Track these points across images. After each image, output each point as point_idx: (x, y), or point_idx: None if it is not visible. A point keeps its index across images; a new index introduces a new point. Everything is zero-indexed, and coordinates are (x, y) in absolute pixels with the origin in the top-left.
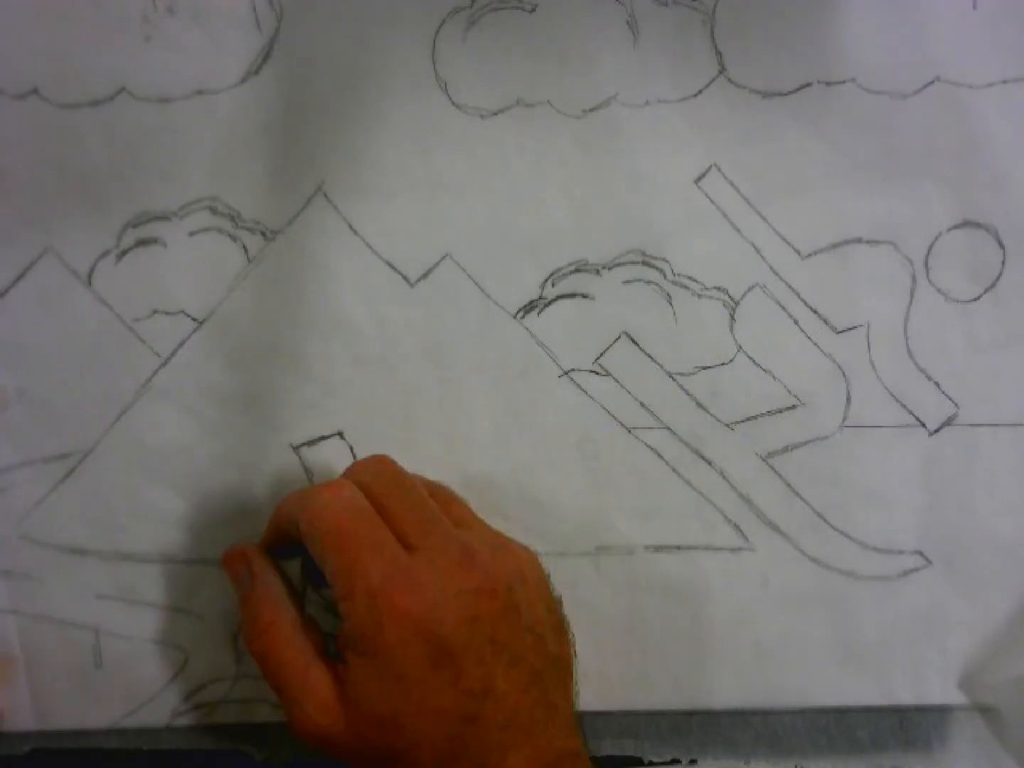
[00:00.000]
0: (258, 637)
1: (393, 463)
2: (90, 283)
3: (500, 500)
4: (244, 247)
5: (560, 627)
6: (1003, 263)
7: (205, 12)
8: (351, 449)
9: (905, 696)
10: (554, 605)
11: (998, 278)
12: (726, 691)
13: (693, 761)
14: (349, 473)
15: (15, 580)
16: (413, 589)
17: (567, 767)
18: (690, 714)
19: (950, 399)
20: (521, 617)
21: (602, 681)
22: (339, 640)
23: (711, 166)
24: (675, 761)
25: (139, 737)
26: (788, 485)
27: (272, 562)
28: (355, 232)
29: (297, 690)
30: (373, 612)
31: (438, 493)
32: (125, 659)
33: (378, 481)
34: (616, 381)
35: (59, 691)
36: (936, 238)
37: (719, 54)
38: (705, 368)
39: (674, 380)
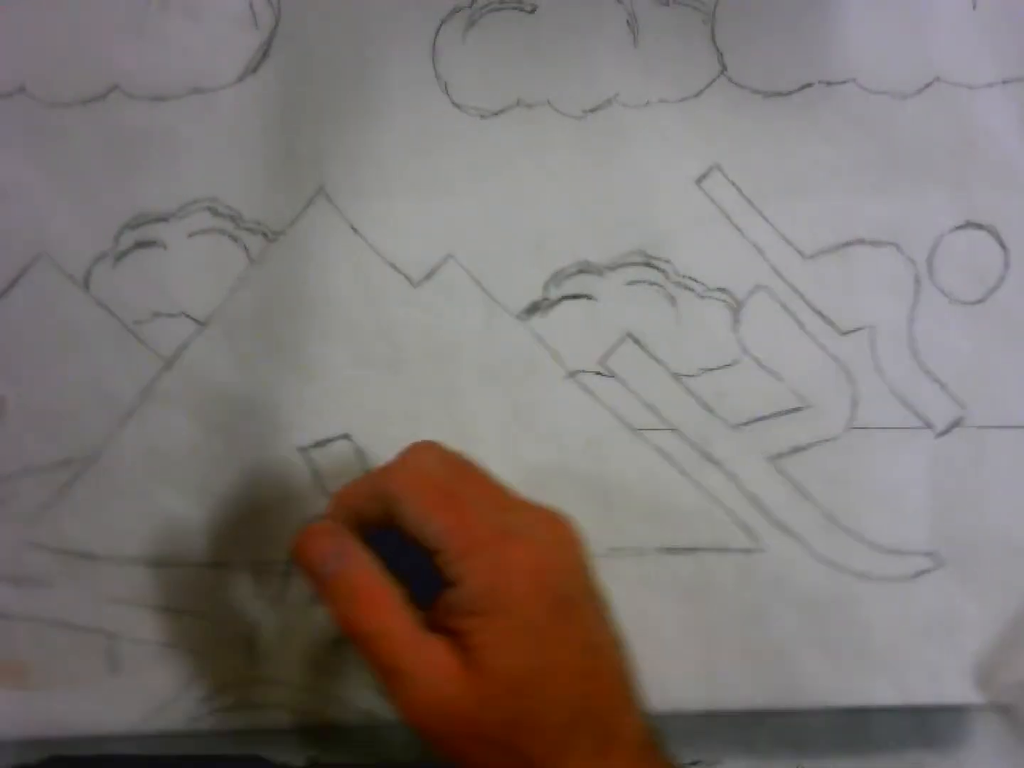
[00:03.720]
0: (365, 614)
1: (444, 444)
2: (87, 287)
3: None
4: (245, 248)
5: None
6: (1006, 264)
7: (201, 8)
8: (357, 452)
9: (922, 695)
10: None
11: (1002, 279)
12: (743, 691)
13: (713, 763)
14: (416, 448)
15: (25, 587)
16: (526, 543)
17: (658, 748)
18: (708, 715)
19: (956, 401)
20: (597, 582)
21: None
22: (447, 606)
23: (712, 166)
24: (696, 763)
25: (156, 742)
26: (796, 486)
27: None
28: (357, 233)
29: (415, 664)
30: (497, 564)
31: None
32: (140, 664)
33: (446, 455)
34: (621, 383)
35: (75, 697)
36: (939, 239)
37: (720, 54)
38: (709, 370)
39: (680, 381)
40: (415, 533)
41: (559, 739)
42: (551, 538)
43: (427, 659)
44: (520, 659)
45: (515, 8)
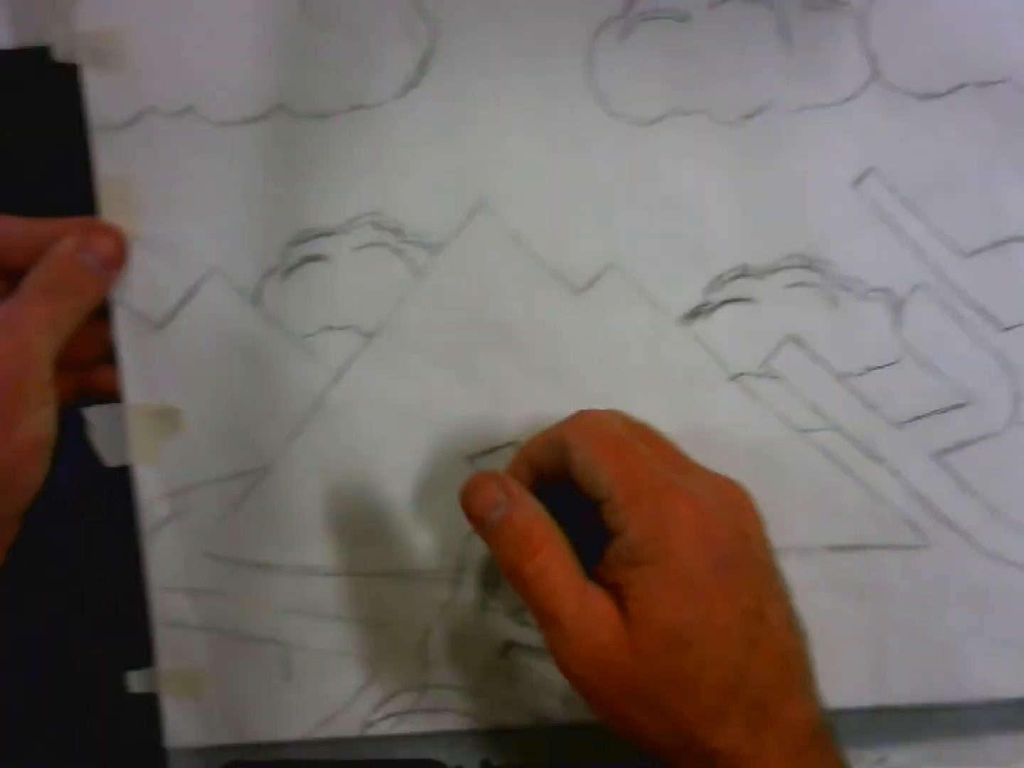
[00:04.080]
0: (531, 558)
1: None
2: (258, 302)
3: None
4: (409, 261)
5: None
6: None
7: (361, 25)
8: None
9: None
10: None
11: None
12: (911, 687)
13: (882, 759)
14: (591, 411)
15: (203, 597)
16: (693, 501)
17: (824, 741)
18: (876, 711)
19: None
20: (771, 555)
21: None
22: (609, 559)
23: (868, 169)
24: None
25: (331, 747)
26: (961, 482)
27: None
28: (519, 243)
29: (576, 609)
30: (661, 513)
31: None
32: (314, 671)
33: (629, 419)
34: (784, 384)
35: (252, 705)
36: None
37: (873, 57)
38: (873, 368)
39: (842, 381)
40: (584, 481)
41: (712, 706)
42: (720, 500)
43: (587, 608)
44: (676, 612)
45: (668, 17)
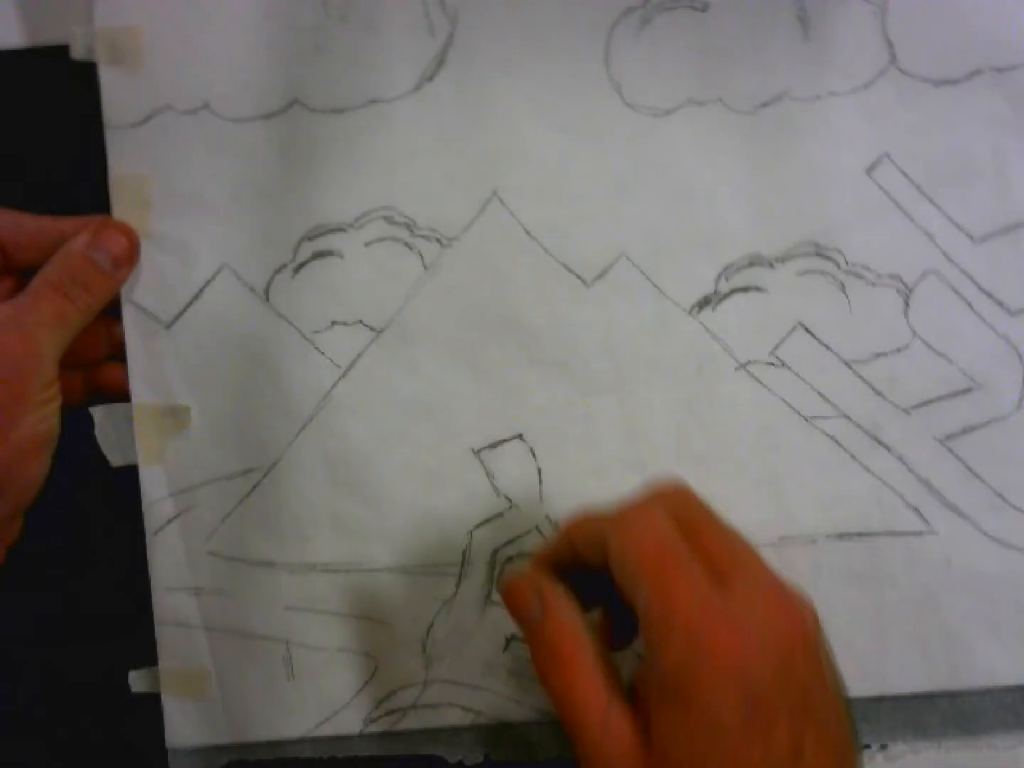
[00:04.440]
0: (558, 671)
1: (692, 490)
2: (267, 298)
3: None
4: (420, 255)
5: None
6: None
7: (378, 19)
8: (531, 451)
9: None
10: (838, 671)
11: None
12: (913, 675)
13: (884, 746)
14: (652, 497)
15: (206, 596)
16: (731, 628)
17: None
18: (878, 700)
19: None
20: (826, 675)
21: None
22: (641, 677)
23: (882, 155)
24: (865, 746)
25: (333, 745)
26: (967, 467)
27: (564, 587)
28: (530, 235)
29: (598, 733)
30: (692, 649)
31: None
32: (316, 669)
33: (686, 507)
34: (793, 372)
35: (253, 703)
36: None
37: (890, 44)
38: (881, 355)
39: (850, 368)
40: (622, 586)
41: None
42: (766, 622)
43: (609, 733)
44: (696, 756)
45: (687, 7)
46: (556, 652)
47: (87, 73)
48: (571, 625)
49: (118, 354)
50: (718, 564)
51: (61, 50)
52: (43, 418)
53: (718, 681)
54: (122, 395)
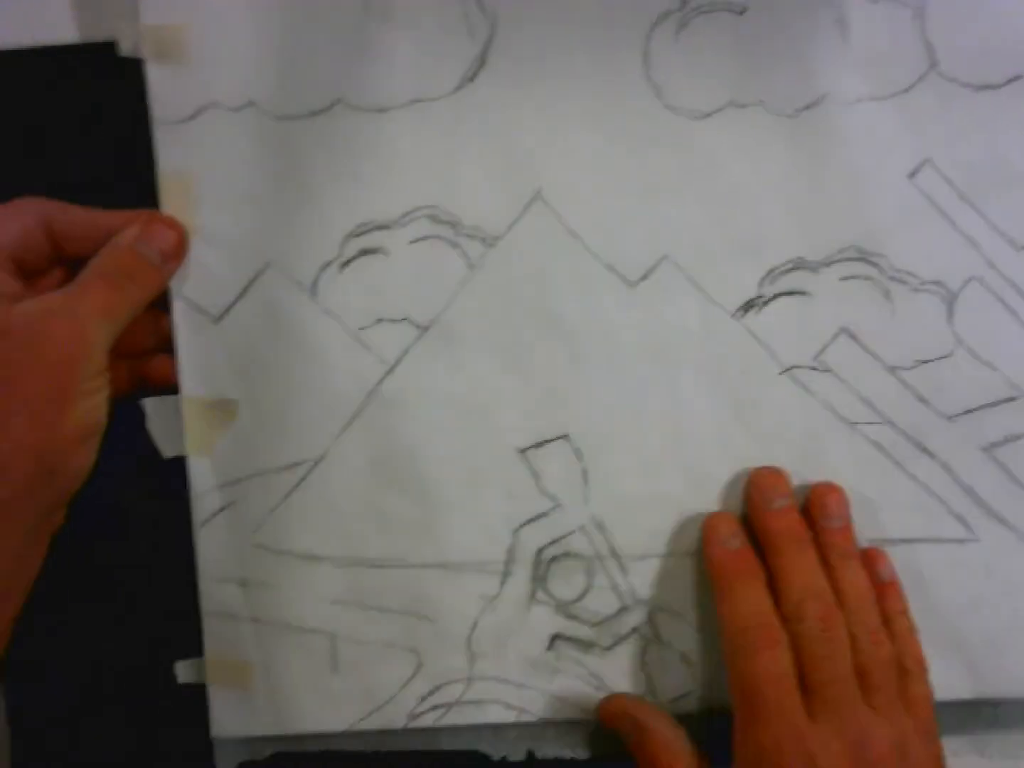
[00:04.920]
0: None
1: (829, 603)
2: (314, 294)
3: (725, 497)
4: (465, 254)
5: None
6: None
7: (420, 20)
8: (577, 451)
9: None
10: None
11: None
12: (955, 683)
13: None
14: (793, 599)
15: (252, 588)
16: (799, 758)
17: None
18: None
19: None
20: None
21: None
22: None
23: (924, 161)
24: None
25: (376, 739)
26: (1011, 475)
27: (649, 704)
28: (574, 235)
29: None
30: (756, 766)
31: (899, 635)
32: (361, 663)
33: (810, 632)
34: (837, 377)
35: (298, 695)
36: None
37: (930, 48)
38: (925, 362)
39: (894, 374)
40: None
41: None
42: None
43: None
44: None
45: (725, 10)
46: (653, 764)
47: (137, 69)
48: (664, 737)
49: (165, 346)
50: (814, 696)
51: (110, 46)
52: (91, 408)
53: None
54: (168, 387)
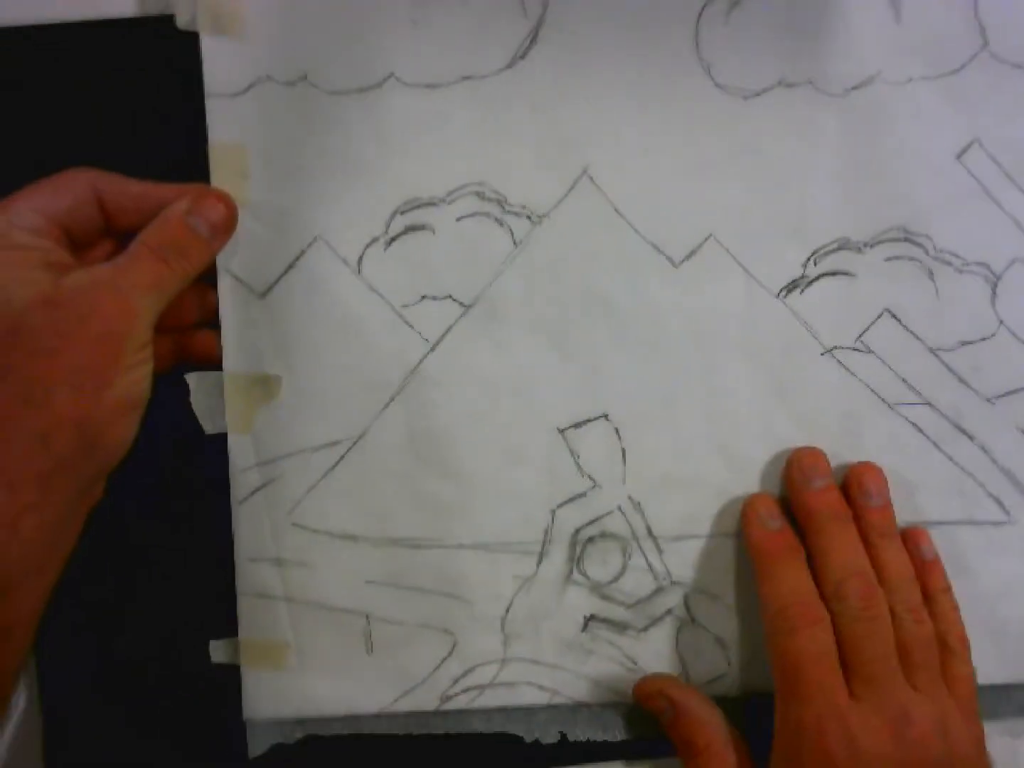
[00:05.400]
0: (690, 761)
1: (870, 581)
2: (359, 270)
3: (763, 478)
4: (511, 231)
5: None
6: None
7: None
8: (616, 431)
9: None
10: None
11: None
12: (988, 666)
13: None
14: (833, 578)
15: (288, 567)
16: (841, 736)
17: None
18: None
19: None
20: None
21: None
22: (772, 754)
23: (973, 141)
24: None
25: (409, 721)
26: None
27: (682, 682)
28: (620, 214)
29: None
30: (797, 745)
31: (941, 614)
32: (395, 644)
33: (851, 611)
34: (878, 358)
35: (331, 676)
36: None
37: (983, 28)
38: (967, 343)
39: (936, 356)
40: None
41: None
42: (875, 750)
43: None
44: None
45: None
46: (692, 744)
47: (192, 43)
48: (700, 716)
49: (210, 321)
50: (855, 676)
51: (167, 20)
52: (135, 380)
53: None
54: (212, 362)
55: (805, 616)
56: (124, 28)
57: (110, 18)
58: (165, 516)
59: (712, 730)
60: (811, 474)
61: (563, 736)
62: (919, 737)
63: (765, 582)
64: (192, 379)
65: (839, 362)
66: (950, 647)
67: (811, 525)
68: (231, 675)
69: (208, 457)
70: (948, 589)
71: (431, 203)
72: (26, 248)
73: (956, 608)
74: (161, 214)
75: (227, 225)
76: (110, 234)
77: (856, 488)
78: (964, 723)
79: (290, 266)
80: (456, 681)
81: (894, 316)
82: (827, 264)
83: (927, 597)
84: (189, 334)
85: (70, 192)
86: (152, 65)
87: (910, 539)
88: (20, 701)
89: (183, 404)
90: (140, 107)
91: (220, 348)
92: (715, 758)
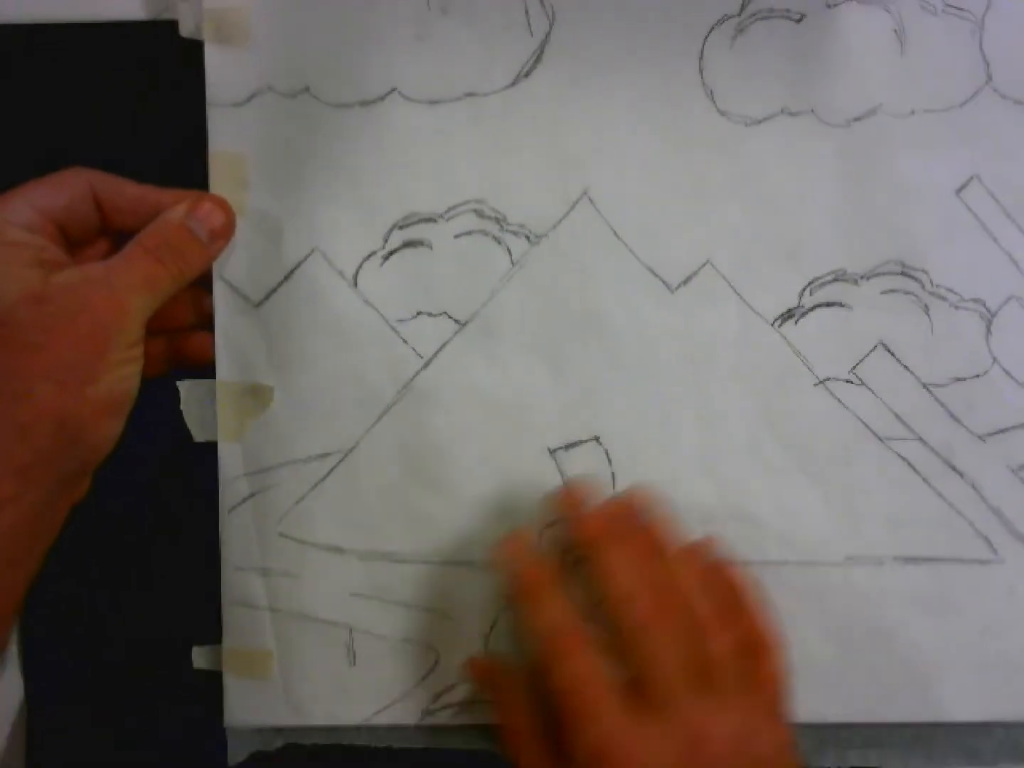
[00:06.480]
0: (503, 741)
1: (654, 597)
2: (356, 284)
3: (752, 506)
4: (508, 250)
5: None
6: None
7: (478, 14)
8: (607, 454)
9: None
10: None
11: None
12: (970, 703)
13: None
14: (614, 597)
15: (273, 577)
16: (625, 760)
17: None
18: (934, 725)
19: None
20: None
21: (848, 692)
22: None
23: (973, 177)
24: None
25: (388, 735)
26: None
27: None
28: (618, 237)
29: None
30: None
31: (740, 617)
32: (378, 657)
33: (633, 632)
34: (871, 391)
35: (313, 687)
36: None
37: (987, 63)
38: (960, 380)
39: (929, 391)
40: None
41: None
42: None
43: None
44: None
45: (783, 17)
46: (506, 722)
47: (195, 51)
48: (515, 701)
49: (204, 324)
50: (646, 688)
51: (171, 26)
52: (123, 378)
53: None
54: (204, 365)
55: (571, 640)
56: (128, 31)
57: (114, 20)
58: (153, 522)
59: (526, 715)
60: (579, 501)
61: None
62: (716, 756)
63: (528, 617)
64: (184, 387)
65: (831, 393)
66: (756, 646)
67: (588, 548)
68: (213, 682)
69: (198, 465)
70: (743, 589)
71: (430, 219)
72: (19, 244)
73: (756, 607)
74: (160, 216)
75: (225, 231)
76: (107, 234)
77: (626, 510)
78: (768, 727)
79: (286, 277)
80: (438, 697)
81: (888, 350)
82: (823, 295)
83: (726, 602)
84: (183, 336)
85: (67, 190)
86: (152, 68)
87: (693, 551)
88: (4, 703)
89: (175, 411)
90: (139, 109)
91: (214, 353)
92: (523, 746)
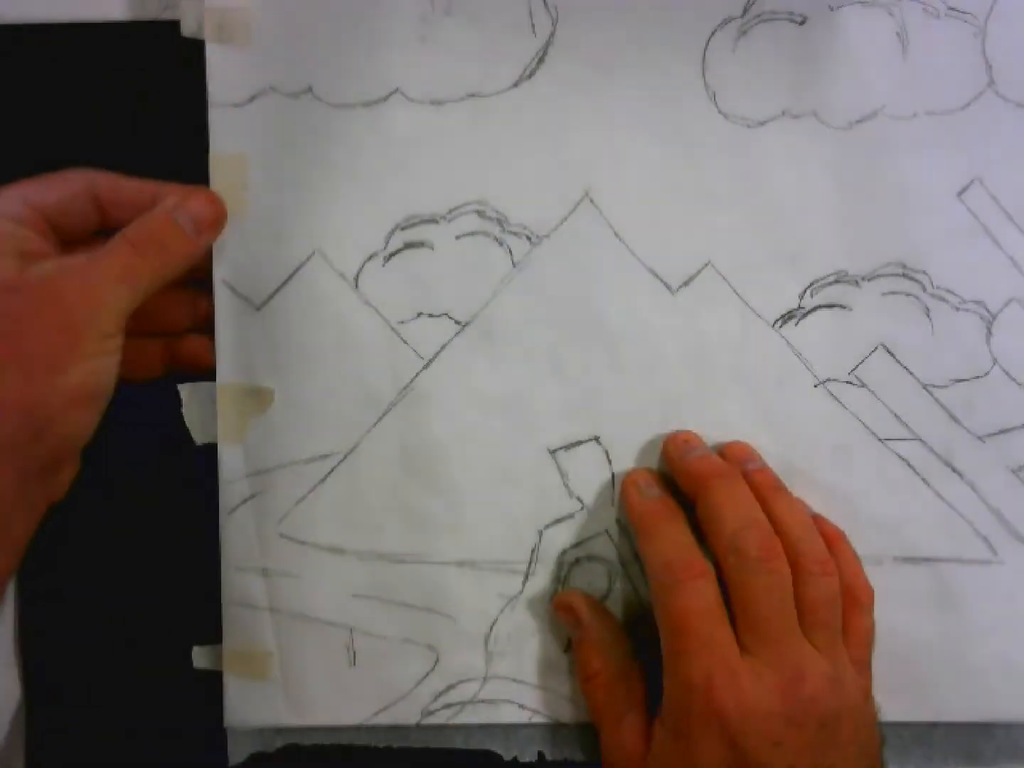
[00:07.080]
0: (584, 684)
1: (769, 532)
2: (357, 285)
3: None
4: (509, 251)
5: None
6: None
7: (482, 14)
8: (606, 454)
9: None
10: (873, 750)
11: None
12: (971, 704)
13: None
14: (728, 531)
15: (274, 578)
16: (731, 692)
17: None
18: (933, 726)
19: None
20: (826, 756)
21: None
22: (661, 713)
23: (974, 179)
24: None
25: (388, 735)
26: None
27: (601, 607)
28: (619, 238)
29: (609, 738)
30: (686, 703)
31: (844, 564)
32: (378, 658)
33: (748, 564)
34: (871, 392)
35: (313, 687)
36: None
37: (989, 66)
38: (960, 381)
39: (929, 392)
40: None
41: None
42: (765, 706)
43: (620, 739)
44: None
45: (786, 19)
46: (585, 667)
47: (197, 51)
48: (600, 642)
49: (201, 327)
50: (746, 632)
51: (173, 26)
52: (96, 370)
53: (704, 733)
54: (202, 368)
55: (688, 570)
56: (125, 30)
57: (116, 20)
58: (153, 523)
59: (608, 659)
60: (685, 448)
61: (542, 756)
62: (811, 694)
63: (646, 543)
64: (184, 390)
65: (832, 395)
66: (855, 598)
67: (698, 487)
68: (213, 682)
69: (198, 466)
70: (845, 538)
71: (431, 220)
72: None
73: (857, 557)
74: (149, 210)
75: (212, 222)
76: (105, 231)
77: (732, 457)
78: (856, 675)
79: (288, 279)
80: (437, 697)
81: (888, 351)
82: (823, 296)
83: (828, 551)
84: (180, 339)
85: (63, 186)
86: (153, 68)
87: (799, 500)
88: (4, 703)
89: (174, 412)
90: (140, 109)
91: (212, 355)
92: (602, 687)
